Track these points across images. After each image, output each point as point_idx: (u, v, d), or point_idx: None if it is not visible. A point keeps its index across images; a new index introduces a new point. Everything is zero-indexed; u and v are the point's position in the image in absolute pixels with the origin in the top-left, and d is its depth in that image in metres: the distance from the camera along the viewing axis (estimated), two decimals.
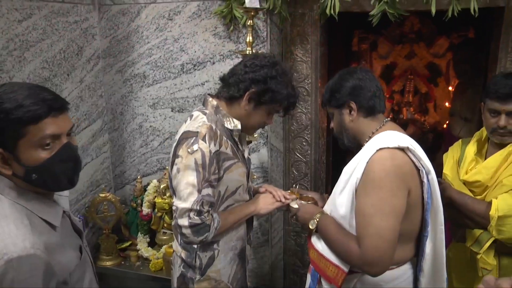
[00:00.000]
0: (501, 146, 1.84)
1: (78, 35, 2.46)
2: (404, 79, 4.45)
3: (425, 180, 1.49)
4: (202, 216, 1.57)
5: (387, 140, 1.49)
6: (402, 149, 1.46)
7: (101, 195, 2.56)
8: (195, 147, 1.55)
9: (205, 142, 1.56)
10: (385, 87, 4.53)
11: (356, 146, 1.64)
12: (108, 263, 2.59)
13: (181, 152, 1.58)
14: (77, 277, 1.21)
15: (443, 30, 4.15)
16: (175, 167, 1.60)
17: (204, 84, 2.48)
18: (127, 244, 2.70)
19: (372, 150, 1.46)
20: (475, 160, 1.95)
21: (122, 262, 2.64)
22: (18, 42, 2.09)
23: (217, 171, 1.61)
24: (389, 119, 1.65)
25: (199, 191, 1.55)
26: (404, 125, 4.44)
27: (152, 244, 2.69)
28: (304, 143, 2.56)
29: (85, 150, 2.58)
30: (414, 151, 1.47)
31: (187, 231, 1.57)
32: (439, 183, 1.96)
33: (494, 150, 1.88)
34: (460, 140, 2.13)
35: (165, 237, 2.60)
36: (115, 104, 2.73)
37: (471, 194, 1.89)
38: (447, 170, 2.06)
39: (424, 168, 1.49)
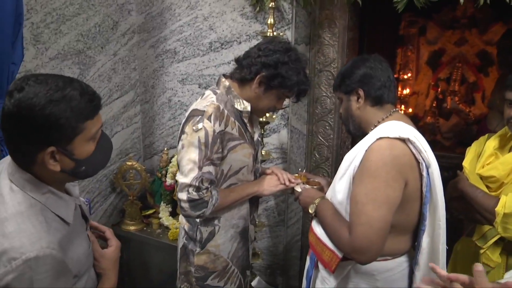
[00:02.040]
0: None
1: (113, 10, 2.56)
2: (452, 66, 4.25)
3: (424, 173, 1.46)
4: (201, 192, 1.63)
5: (388, 130, 1.47)
6: (403, 140, 1.44)
7: (128, 163, 2.69)
8: (200, 125, 1.61)
9: (210, 122, 1.61)
10: (431, 73, 4.35)
11: (361, 134, 1.63)
12: (131, 228, 2.74)
13: (187, 129, 1.64)
14: (85, 268, 1.24)
15: (501, 16, 3.89)
16: (180, 143, 1.66)
17: (230, 63, 2.51)
18: (151, 211, 2.83)
19: (372, 139, 1.46)
20: (494, 155, 1.86)
21: (145, 228, 2.78)
22: (55, 16, 2.21)
23: (220, 150, 1.66)
24: (397, 109, 1.62)
25: (200, 168, 1.61)
26: (447, 115, 4.26)
27: (174, 214, 2.80)
28: (327, 127, 2.54)
29: (116, 119, 2.72)
30: (415, 143, 1.44)
31: (185, 205, 1.65)
32: (456, 175, 1.91)
33: None
34: (486, 135, 2.04)
35: None
36: (147, 78, 2.83)
37: (486, 190, 1.82)
38: (466, 163, 1.98)
39: (424, 161, 1.46)
